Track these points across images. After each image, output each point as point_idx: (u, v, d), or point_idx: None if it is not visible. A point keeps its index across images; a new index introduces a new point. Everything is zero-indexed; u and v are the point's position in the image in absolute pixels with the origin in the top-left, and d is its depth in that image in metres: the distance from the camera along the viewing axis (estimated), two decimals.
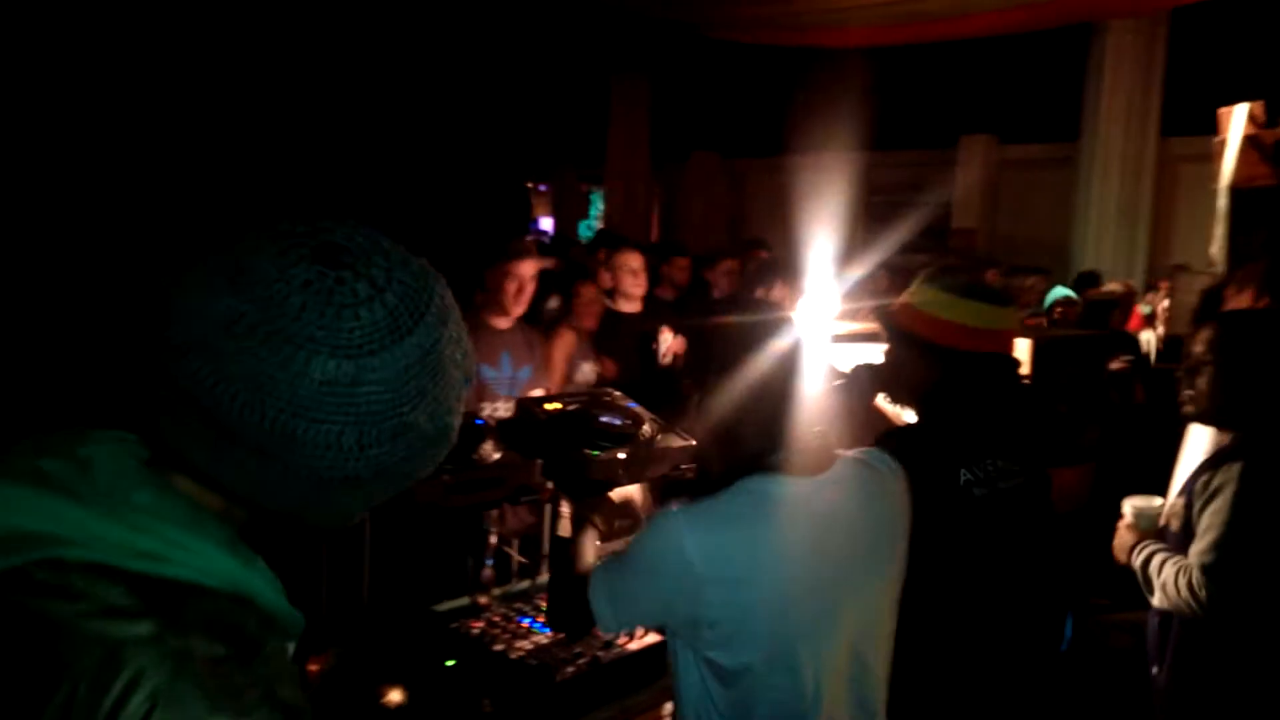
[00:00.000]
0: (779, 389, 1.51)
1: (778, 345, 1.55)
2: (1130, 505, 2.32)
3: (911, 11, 7.23)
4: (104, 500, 0.70)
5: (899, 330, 2.00)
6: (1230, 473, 2.05)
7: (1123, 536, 2.30)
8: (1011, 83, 9.91)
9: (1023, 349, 3.15)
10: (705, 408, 1.55)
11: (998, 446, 1.91)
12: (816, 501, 1.51)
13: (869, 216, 11.16)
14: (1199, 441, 2.51)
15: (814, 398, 1.54)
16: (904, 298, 2.02)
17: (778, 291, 4.41)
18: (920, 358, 1.94)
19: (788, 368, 1.53)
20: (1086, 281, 6.85)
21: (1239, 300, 2.90)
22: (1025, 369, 3.10)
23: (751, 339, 1.55)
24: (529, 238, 3.58)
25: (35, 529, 0.67)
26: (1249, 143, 4.87)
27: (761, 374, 1.52)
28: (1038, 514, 1.98)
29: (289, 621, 0.77)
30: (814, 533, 1.50)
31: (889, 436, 1.90)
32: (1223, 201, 5.06)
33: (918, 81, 9.96)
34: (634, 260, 4.36)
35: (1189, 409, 2.22)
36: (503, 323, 3.39)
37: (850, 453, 1.63)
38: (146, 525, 0.70)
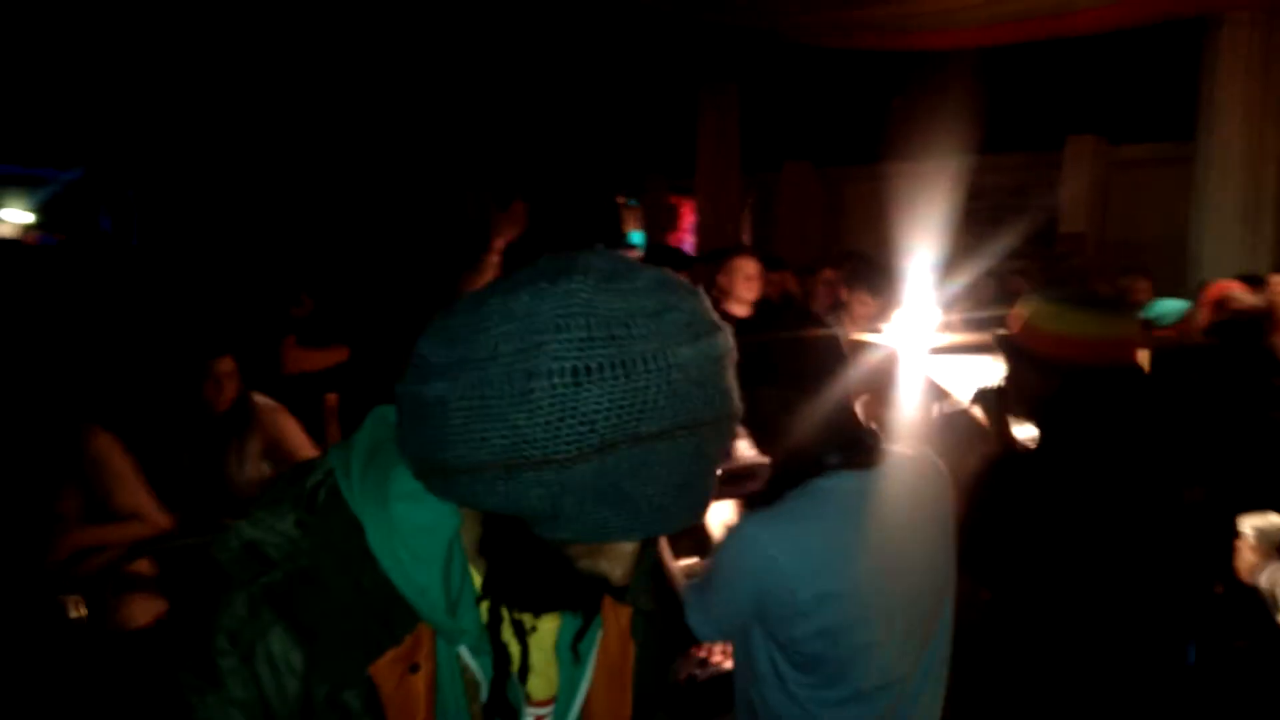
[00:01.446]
0: (828, 394, 1.63)
1: (824, 355, 1.67)
2: (1249, 525, 2.23)
3: (1020, 10, 7.02)
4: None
5: (1012, 345, 1.97)
6: None
7: (1246, 557, 2.21)
8: (1119, 81, 9.53)
9: (1139, 358, 3.00)
10: (761, 418, 1.65)
11: (1124, 462, 1.84)
12: (873, 492, 1.62)
13: (970, 223, 10.85)
14: None
15: (860, 399, 1.71)
16: (1017, 312, 1.99)
17: (865, 298, 4.34)
18: (1034, 373, 1.91)
19: (834, 374, 1.65)
20: None
21: None
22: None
23: (797, 351, 1.67)
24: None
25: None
26: None
27: (811, 382, 1.63)
28: (1166, 532, 1.89)
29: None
30: (875, 520, 1.61)
31: (1009, 459, 1.87)
32: None
33: (1020, 82, 9.67)
34: (749, 266, 4.53)
35: None
36: None
37: (897, 448, 1.72)
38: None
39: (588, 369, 0.76)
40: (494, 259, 3.44)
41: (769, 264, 5.58)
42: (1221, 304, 5.54)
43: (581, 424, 0.76)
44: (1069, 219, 10.65)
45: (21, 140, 11.23)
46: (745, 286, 4.50)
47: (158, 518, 2.68)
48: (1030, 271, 6.63)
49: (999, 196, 11.08)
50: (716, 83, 11.69)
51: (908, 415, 2.87)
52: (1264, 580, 2.11)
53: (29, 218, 12.65)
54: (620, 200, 16.08)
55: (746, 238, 13.27)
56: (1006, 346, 2.02)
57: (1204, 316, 5.38)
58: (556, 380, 0.76)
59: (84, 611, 2.38)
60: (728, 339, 0.84)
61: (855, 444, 1.63)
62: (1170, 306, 5.53)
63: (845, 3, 7.44)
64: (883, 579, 1.58)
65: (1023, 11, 7.07)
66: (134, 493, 2.66)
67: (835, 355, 1.68)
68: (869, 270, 4.40)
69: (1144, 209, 10.04)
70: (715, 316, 0.85)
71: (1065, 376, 1.85)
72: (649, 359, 0.77)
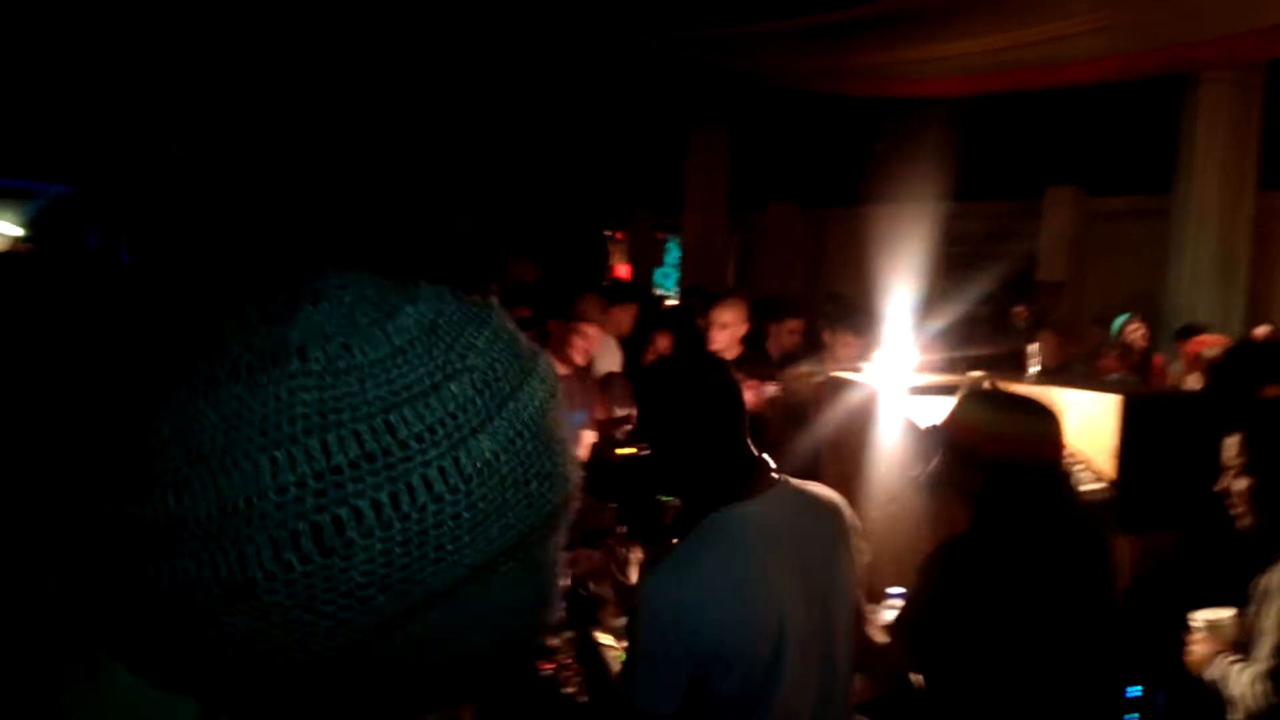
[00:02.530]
0: (717, 431, 1.73)
1: (715, 393, 1.75)
2: (1200, 617, 2.22)
3: (999, 61, 7.17)
4: None
5: (943, 435, 2.04)
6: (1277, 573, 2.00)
7: (1196, 650, 2.20)
8: (1099, 134, 9.72)
9: (1111, 407, 3.04)
10: (662, 455, 1.76)
11: (1043, 558, 1.92)
12: (761, 516, 1.71)
13: (950, 267, 10.99)
14: None
15: (746, 434, 1.76)
16: (951, 408, 2.07)
17: (849, 339, 4.38)
18: (962, 465, 1.97)
19: (721, 411, 1.74)
20: (1188, 335, 6.61)
21: None
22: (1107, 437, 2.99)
23: (687, 391, 1.76)
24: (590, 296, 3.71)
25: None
26: None
27: (701, 421, 1.73)
28: (1087, 603, 1.95)
29: None
30: (764, 542, 1.69)
31: (945, 550, 1.95)
32: None
33: (1002, 131, 9.85)
34: (724, 315, 4.43)
35: (1242, 521, 2.15)
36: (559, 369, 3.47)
37: (791, 479, 1.82)
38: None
39: (337, 524, 0.47)
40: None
41: (778, 310, 5.55)
42: (1201, 358, 5.66)
43: (344, 610, 0.48)
44: (1047, 267, 10.79)
45: (11, 153, 11.21)
46: (717, 335, 4.37)
47: None
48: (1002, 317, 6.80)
49: (977, 242, 11.22)
50: (706, 124, 11.83)
51: (887, 454, 2.89)
52: (1215, 674, 2.11)
53: (18, 231, 12.62)
54: (606, 233, 16.16)
55: (730, 275, 13.36)
56: (938, 437, 2.09)
57: (1185, 368, 5.49)
58: (292, 556, 0.47)
59: None
60: (545, 373, 0.57)
61: (743, 476, 1.73)
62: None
63: (831, 49, 7.57)
64: (776, 593, 1.66)
65: (1004, 64, 7.23)
66: None
67: (728, 398, 1.78)
68: (851, 311, 4.43)
69: (1121, 260, 10.19)
70: (521, 340, 0.57)
71: (990, 471, 1.92)
72: (434, 475, 0.49)
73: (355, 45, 8.85)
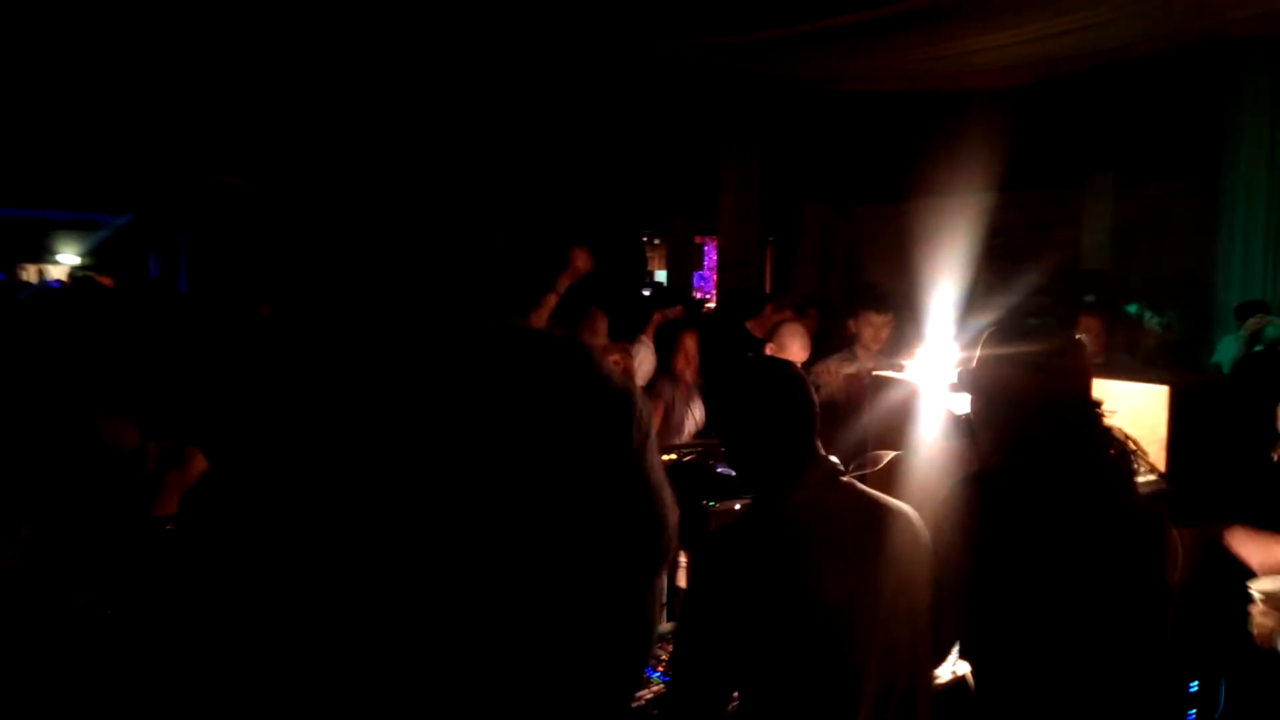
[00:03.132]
0: (773, 424, 1.78)
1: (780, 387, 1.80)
2: (1258, 589, 2.18)
3: (1034, 53, 7.09)
4: None
5: (971, 380, 2.01)
6: None
7: (1260, 623, 2.15)
8: (1141, 119, 9.56)
9: (1160, 397, 2.99)
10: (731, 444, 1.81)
11: (1080, 491, 1.87)
12: (805, 510, 1.76)
13: (992, 260, 10.87)
14: None
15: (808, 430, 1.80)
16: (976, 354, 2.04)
17: (871, 316, 4.36)
18: (990, 405, 1.94)
19: (782, 406, 1.78)
20: (1249, 313, 6.43)
21: None
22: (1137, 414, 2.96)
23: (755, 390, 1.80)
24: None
25: None
26: None
27: (759, 414, 1.78)
28: (1135, 557, 1.90)
29: None
30: (804, 535, 1.75)
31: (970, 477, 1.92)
32: None
33: (1040, 121, 9.72)
34: (791, 347, 4.40)
35: None
36: None
37: (857, 483, 1.85)
38: None
39: None
40: (553, 298, 3.52)
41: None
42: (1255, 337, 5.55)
43: None
44: (1091, 255, 10.61)
45: (75, 186, 11.58)
46: (797, 355, 4.42)
47: None
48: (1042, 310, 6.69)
49: (1020, 233, 11.07)
50: (740, 129, 11.79)
51: (928, 449, 2.88)
52: None
53: (79, 260, 13.08)
54: (645, 239, 16.22)
55: (767, 276, 13.32)
56: (966, 383, 2.06)
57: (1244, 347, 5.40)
58: None
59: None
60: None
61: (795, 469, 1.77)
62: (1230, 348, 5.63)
63: (866, 49, 7.53)
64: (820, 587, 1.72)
65: (1038, 55, 7.15)
66: None
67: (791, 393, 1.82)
68: (868, 293, 4.41)
69: (1167, 244, 10.00)
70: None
71: (1019, 407, 1.89)
72: None
73: (400, 69, 8.97)
